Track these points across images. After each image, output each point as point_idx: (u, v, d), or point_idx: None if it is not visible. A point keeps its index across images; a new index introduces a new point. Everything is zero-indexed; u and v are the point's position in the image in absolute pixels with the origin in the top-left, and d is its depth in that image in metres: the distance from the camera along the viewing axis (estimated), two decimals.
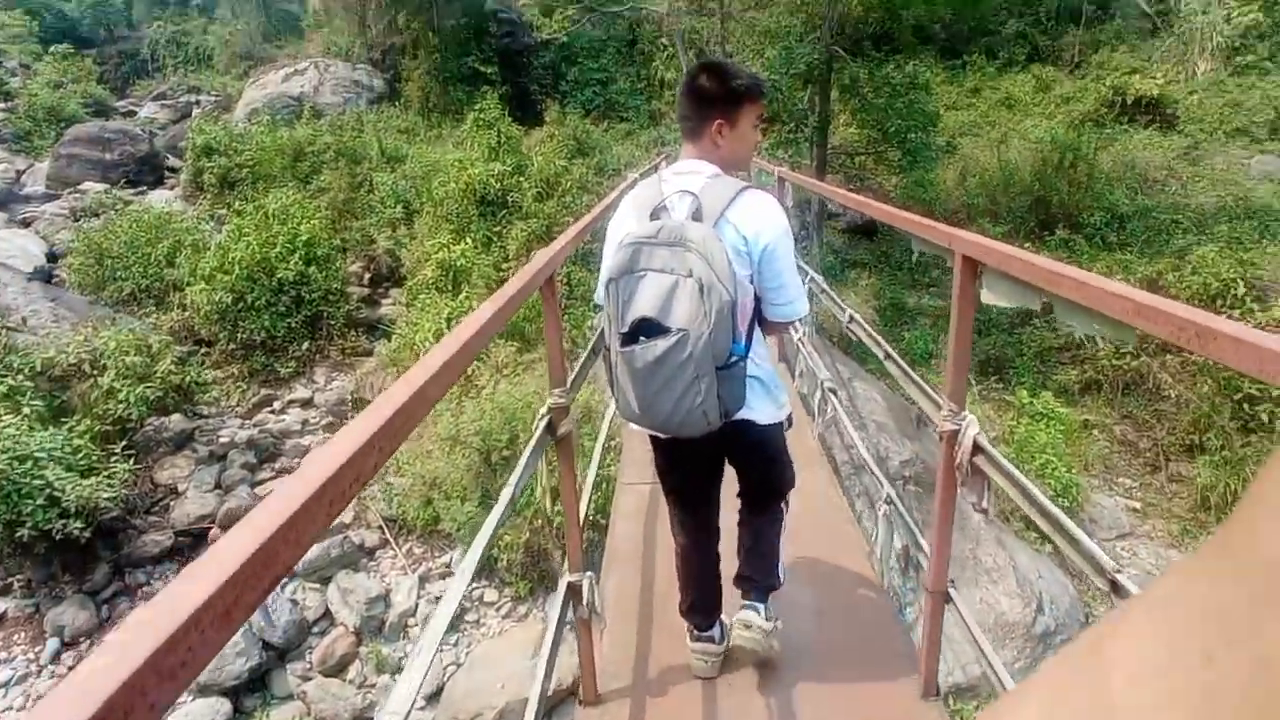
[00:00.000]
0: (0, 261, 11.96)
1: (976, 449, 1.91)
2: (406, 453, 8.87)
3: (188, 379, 9.64)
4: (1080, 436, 9.91)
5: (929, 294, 13.64)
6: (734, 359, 1.82)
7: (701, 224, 1.81)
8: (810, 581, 2.86)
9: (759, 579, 2.31)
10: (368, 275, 14.45)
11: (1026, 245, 12.20)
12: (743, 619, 2.28)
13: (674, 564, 2.40)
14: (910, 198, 12.73)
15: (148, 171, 18.92)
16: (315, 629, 7.82)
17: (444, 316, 9.38)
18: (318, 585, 8.17)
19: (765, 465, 2.21)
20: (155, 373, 9.38)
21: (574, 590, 2.16)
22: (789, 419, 2.20)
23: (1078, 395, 10.63)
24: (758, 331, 2.04)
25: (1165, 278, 10.70)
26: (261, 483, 9.64)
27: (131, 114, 24.59)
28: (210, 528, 8.95)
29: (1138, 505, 9.53)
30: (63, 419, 8.95)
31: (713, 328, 1.71)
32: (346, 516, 9.08)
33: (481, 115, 13.45)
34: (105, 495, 8.05)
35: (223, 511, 8.98)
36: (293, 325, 11.80)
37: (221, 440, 10.39)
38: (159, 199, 16.58)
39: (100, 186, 16.86)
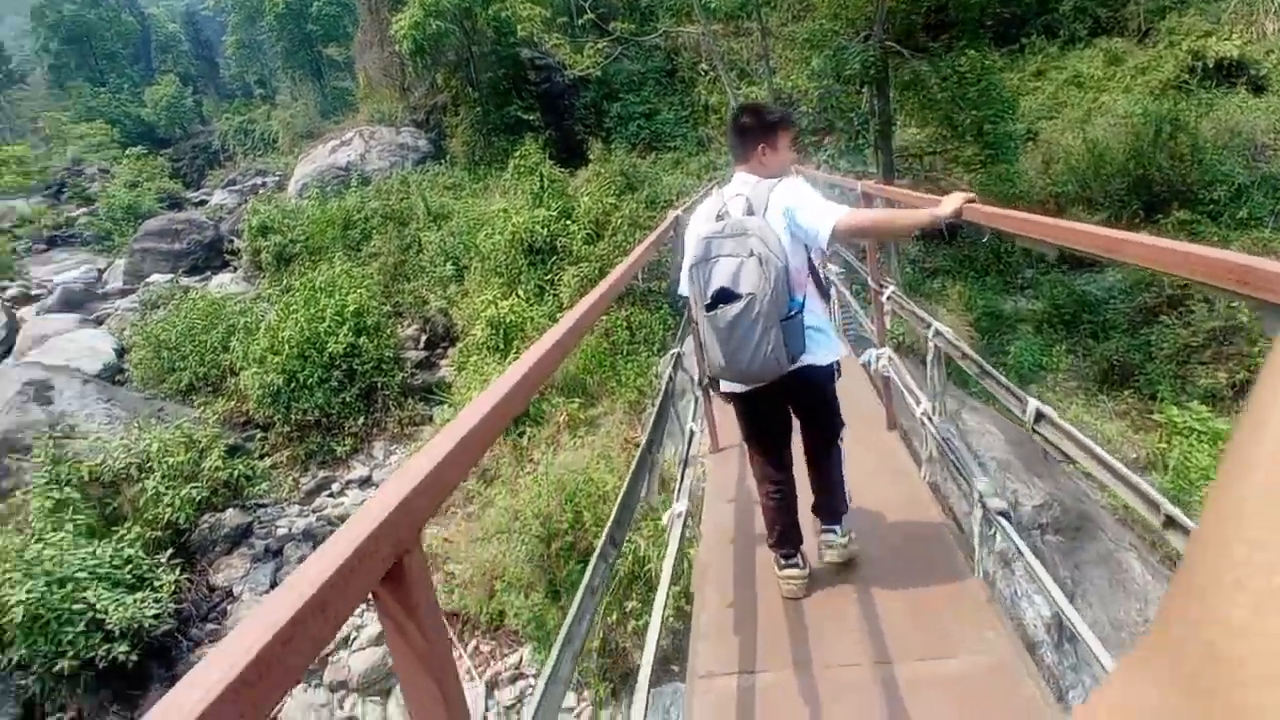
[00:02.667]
0: (59, 365, 11.65)
1: None
2: (464, 537, 7.83)
3: (235, 474, 8.89)
4: None
5: (1025, 296, 11.92)
6: (793, 312, 2.30)
7: (754, 216, 2.35)
8: None
9: (831, 505, 2.67)
10: (424, 337, 13.72)
11: (1140, 230, 10.41)
12: (824, 541, 2.68)
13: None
14: (990, 194, 11.17)
15: (214, 257, 18.93)
16: None
17: (491, 382, 8.31)
18: (378, 698, 7.15)
19: (822, 407, 2.56)
20: (202, 470, 8.66)
21: None
22: (838, 366, 2.53)
23: (1231, 401, 8.77)
24: (813, 290, 2.46)
25: None
26: None
27: (203, 203, 25.11)
28: None
29: None
30: (114, 527, 8.32)
31: (773, 289, 2.22)
32: None
33: (522, 162, 12.59)
34: (150, 613, 7.28)
35: None
36: (347, 400, 11.04)
37: (279, 532, 9.61)
38: (221, 283, 16.40)
39: (167, 277, 16.82)
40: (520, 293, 11.22)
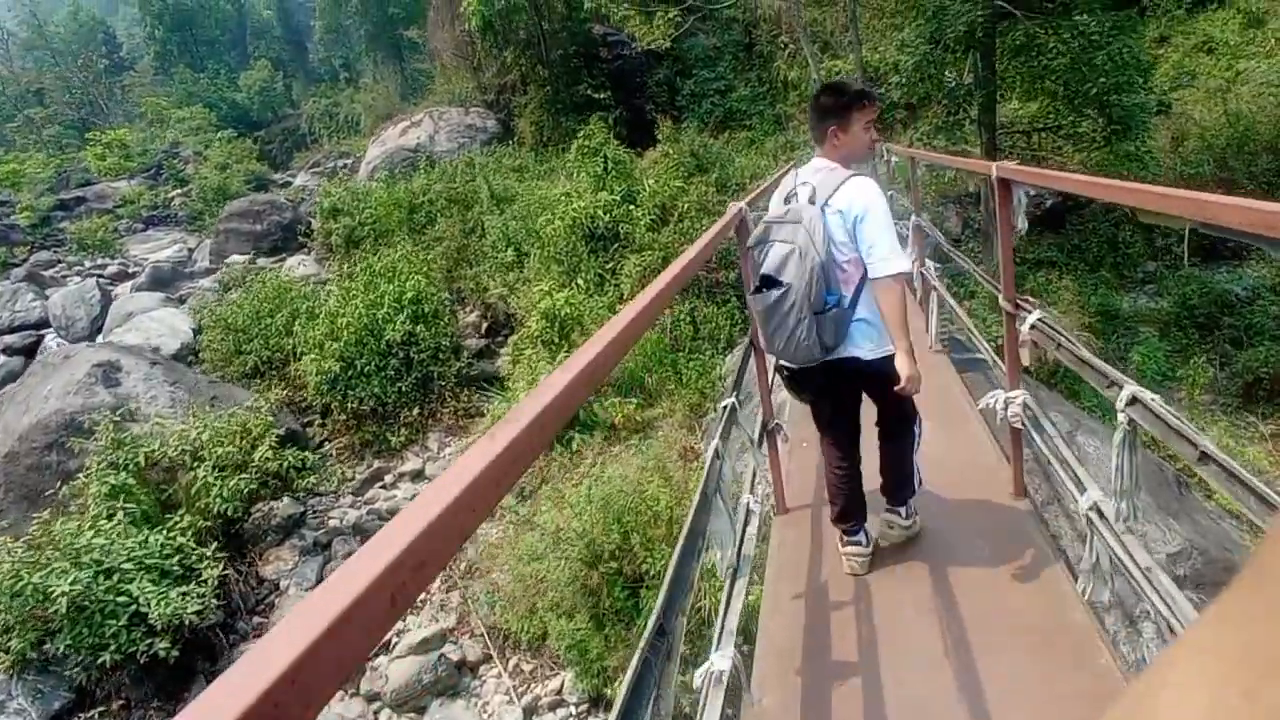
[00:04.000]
0: (139, 344, 11.66)
1: None
2: (507, 547, 7.21)
3: (285, 465, 8.53)
4: None
5: (1145, 293, 10.39)
6: (829, 306, 2.27)
7: (812, 206, 2.30)
8: None
9: (896, 486, 2.61)
10: (485, 325, 13.21)
11: None
12: (886, 519, 2.67)
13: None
14: (1114, 177, 9.67)
15: (292, 238, 18.95)
16: None
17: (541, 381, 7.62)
18: (413, 715, 6.64)
19: (882, 398, 2.50)
20: (252, 461, 8.34)
21: None
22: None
23: None
24: (869, 290, 2.33)
25: None
26: None
27: (288, 184, 25.40)
28: None
29: None
30: (168, 515, 8.11)
31: (807, 283, 2.23)
32: (449, 620, 7.56)
33: (586, 142, 11.78)
34: (192, 609, 6.96)
35: None
36: (403, 389, 10.60)
37: (331, 523, 9.28)
38: (294, 264, 16.35)
39: (244, 258, 16.91)
40: (580, 281, 10.49)
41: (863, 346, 2.33)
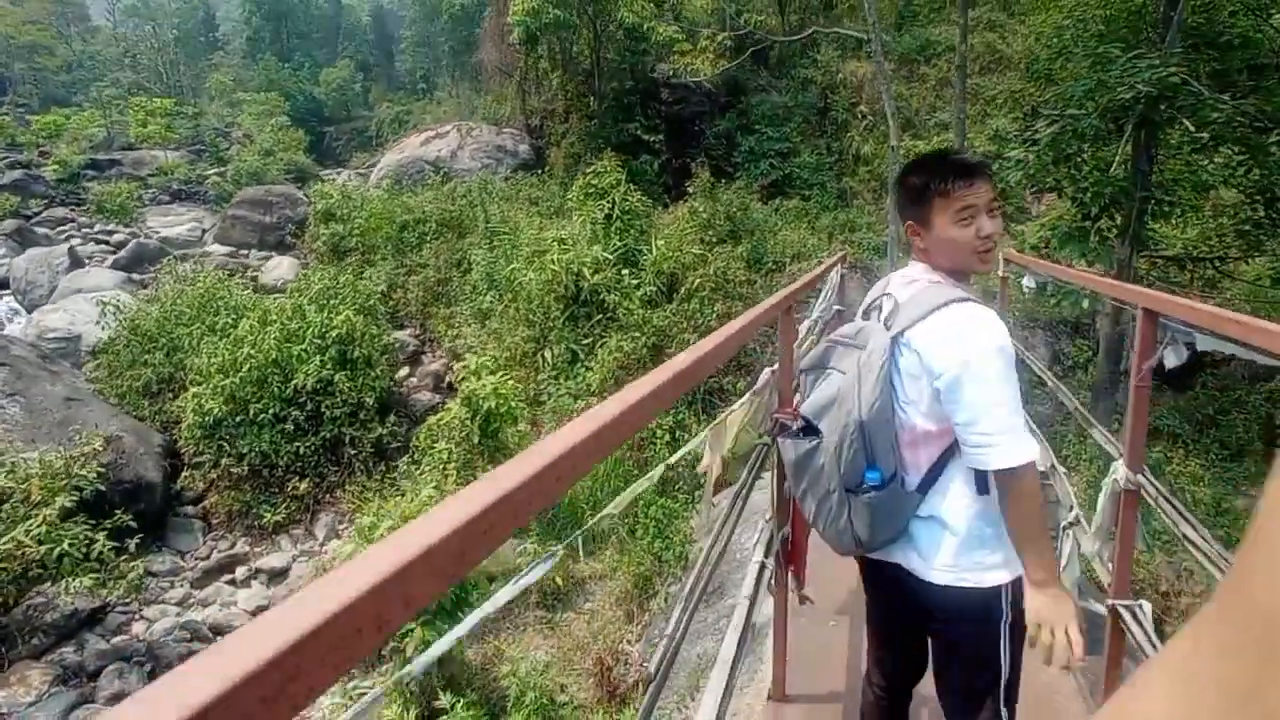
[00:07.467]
0: (56, 328, 9.21)
1: None
2: None
3: (58, 550, 5.74)
4: None
5: None
6: (867, 486, 1.37)
7: (885, 333, 1.42)
8: None
9: None
10: (446, 379, 10.41)
11: None
12: None
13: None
14: None
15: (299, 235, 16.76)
16: None
17: (402, 514, 4.75)
18: None
19: (945, 649, 1.48)
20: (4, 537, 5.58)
21: None
22: (1010, 606, 1.35)
23: None
24: (956, 473, 1.38)
25: None
26: None
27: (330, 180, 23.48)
28: None
29: None
30: None
31: (838, 443, 1.39)
32: None
33: (595, 181, 9.00)
34: None
35: None
36: (300, 451, 7.82)
37: (136, 627, 6.47)
38: (275, 265, 13.95)
39: (226, 249, 14.63)
40: (547, 355, 7.63)
41: (921, 559, 1.37)
